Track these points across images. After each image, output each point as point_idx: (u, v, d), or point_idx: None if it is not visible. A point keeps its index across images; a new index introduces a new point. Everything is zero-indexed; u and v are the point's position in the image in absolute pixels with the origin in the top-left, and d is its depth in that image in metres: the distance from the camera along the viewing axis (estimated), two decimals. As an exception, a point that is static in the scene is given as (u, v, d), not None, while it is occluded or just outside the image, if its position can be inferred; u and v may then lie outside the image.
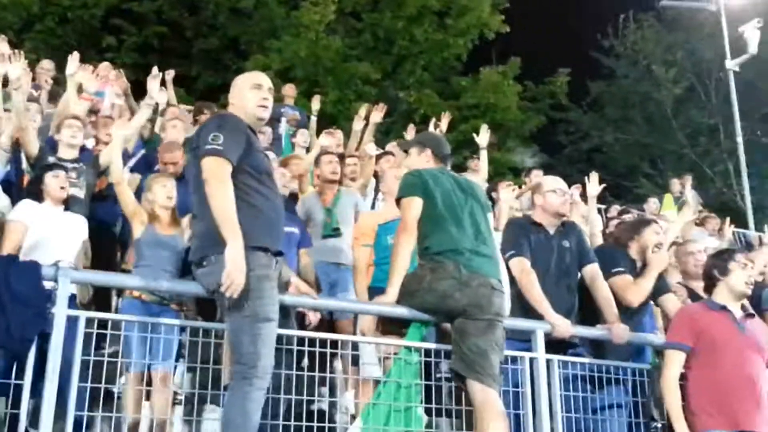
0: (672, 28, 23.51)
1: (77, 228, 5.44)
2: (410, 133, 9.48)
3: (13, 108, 6.16)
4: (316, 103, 10.90)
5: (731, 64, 18.01)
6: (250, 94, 4.05)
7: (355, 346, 5.01)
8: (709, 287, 4.81)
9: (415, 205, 4.32)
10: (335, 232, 6.47)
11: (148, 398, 4.81)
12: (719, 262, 4.80)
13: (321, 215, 6.57)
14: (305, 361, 4.35)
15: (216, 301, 3.85)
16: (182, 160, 6.30)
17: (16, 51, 6.48)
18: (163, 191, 5.30)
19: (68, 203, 5.56)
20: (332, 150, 7.79)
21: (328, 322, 5.94)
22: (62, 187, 5.44)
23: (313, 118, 10.71)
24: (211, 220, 3.72)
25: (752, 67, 19.30)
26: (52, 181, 5.42)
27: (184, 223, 5.29)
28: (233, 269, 3.53)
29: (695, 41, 22.51)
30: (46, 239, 5.11)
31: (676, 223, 7.10)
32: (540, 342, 4.54)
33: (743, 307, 4.76)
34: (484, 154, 8.93)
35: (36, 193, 5.39)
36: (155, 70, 7.49)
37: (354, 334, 5.38)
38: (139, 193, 5.71)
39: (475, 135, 9.08)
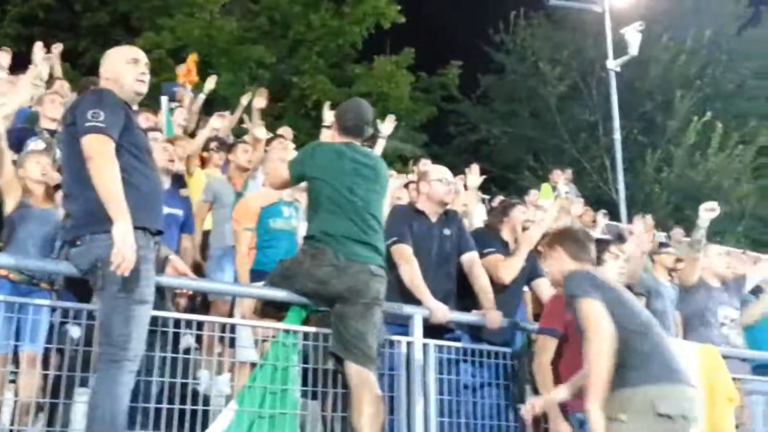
0: (559, 27, 24.22)
1: None
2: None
3: None
4: (210, 83, 10.46)
5: (613, 64, 18.73)
6: (126, 69, 3.91)
7: (232, 328, 4.84)
8: None
9: (294, 181, 4.51)
10: None
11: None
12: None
13: (231, 198, 6.51)
14: (189, 342, 4.29)
15: (89, 281, 3.72)
16: None
17: None
18: (38, 168, 5.13)
19: None
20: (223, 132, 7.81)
21: (203, 302, 5.94)
22: None
23: (202, 96, 10.52)
24: (87, 200, 3.61)
25: (632, 68, 20.19)
26: None
27: (58, 199, 5.05)
28: (123, 247, 3.44)
29: (580, 41, 23.23)
30: None
31: (550, 212, 7.42)
32: (417, 326, 4.59)
33: None
34: (382, 143, 8.97)
35: None
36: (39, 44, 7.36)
37: (231, 316, 5.34)
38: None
39: (380, 121, 9.13)
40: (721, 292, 6.76)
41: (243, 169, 6.87)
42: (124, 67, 3.91)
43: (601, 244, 4.91)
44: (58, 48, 9.41)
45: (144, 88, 3.98)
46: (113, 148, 3.60)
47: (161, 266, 4.05)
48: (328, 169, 4.33)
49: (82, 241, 3.64)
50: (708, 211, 6.28)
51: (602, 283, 3.83)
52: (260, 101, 8.32)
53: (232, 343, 4.56)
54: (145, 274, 3.61)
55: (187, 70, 11.13)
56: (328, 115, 8.39)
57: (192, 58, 11.42)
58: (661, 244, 8.27)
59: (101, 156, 3.55)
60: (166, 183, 5.67)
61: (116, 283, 3.53)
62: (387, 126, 8.45)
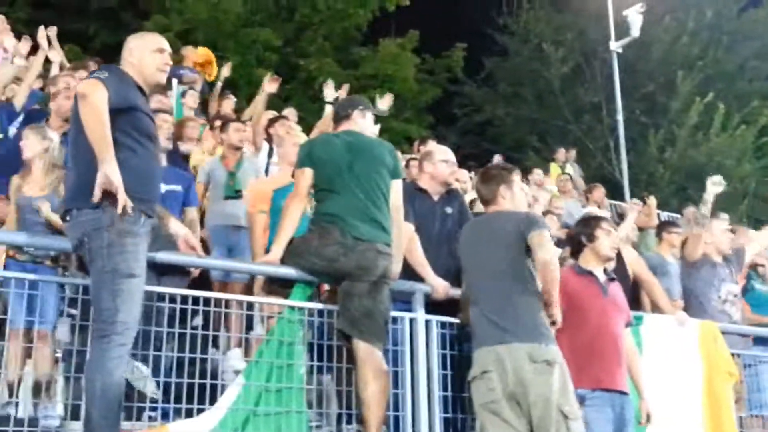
0: (562, 9, 24.30)
1: None
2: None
3: None
4: (226, 70, 10.91)
5: (615, 46, 18.91)
6: (151, 57, 3.98)
7: (250, 306, 4.92)
8: (576, 252, 5.02)
9: (304, 176, 4.48)
10: (237, 194, 6.58)
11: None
12: (585, 229, 5.01)
13: (224, 178, 6.68)
14: (197, 320, 4.36)
15: (83, 256, 3.74)
16: None
17: None
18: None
19: None
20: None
21: (224, 283, 6.02)
22: None
23: (219, 84, 10.90)
24: (77, 174, 3.67)
25: (634, 49, 20.37)
26: None
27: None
28: (106, 180, 3.46)
29: (583, 23, 23.29)
30: None
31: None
32: (420, 303, 4.68)
33: (606, 271, 4.94)
34: (329, 109, 8.64)
35: None
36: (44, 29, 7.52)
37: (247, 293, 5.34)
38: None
39: (378, 97, 9.33)
40: (723, 268, 6.85)
41: (235, 147, 6.97)
42: (149, 56, 3.99)
43: (594, 221, 5.09)
44: (52, 31, 9.05)
45: (164, 78, 4.09)
46: (105, 94, 3.57)
47: (173, 243, 4.11)
48: (324, 153, 4.49)
49: (71, 216, 3.68)
50: (715, 185, 6.46)
51: None
52: (272, 86, 8.56)
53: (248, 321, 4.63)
54: (132, 248, 3.60)
55: (206, 62, 11.27)
56: (329, 93, 8.70)
57: (209, 55, 11.53)
58: (669, 223, 8.44)
59: (90, 95, 3.55)
60: (164, 161, 5.68)
61: (102, 257, 3.55)
62: (384, 103, 8.56)
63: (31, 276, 4.31)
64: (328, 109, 8.75)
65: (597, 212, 6.95)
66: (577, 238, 5.07)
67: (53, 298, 4.73)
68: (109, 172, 3.48)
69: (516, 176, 4.72)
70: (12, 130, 6.71)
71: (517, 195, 4.65)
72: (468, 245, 4.58)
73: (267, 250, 5.39)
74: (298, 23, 21.57)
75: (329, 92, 8.79)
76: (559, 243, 6.28)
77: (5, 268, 4.90)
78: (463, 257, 4.61)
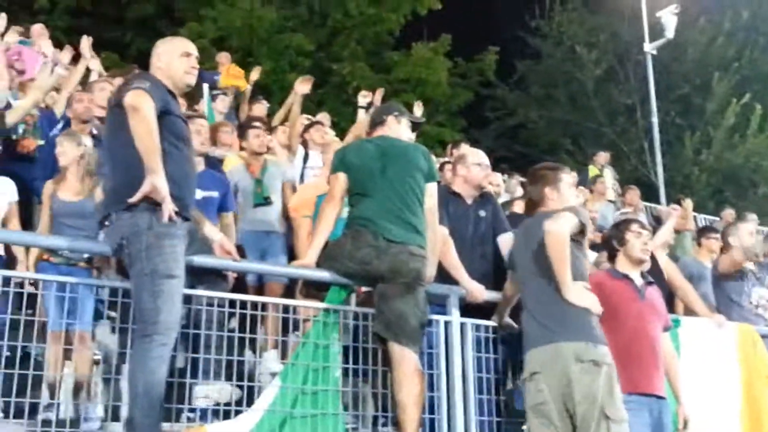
0: (595, 11, 24.22)
1: (5, 190, 5.46)
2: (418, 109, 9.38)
3: None
4: (255, 74, 11.00)
5: (649, 47, 18.74)
6: (179, 61, 4.04)
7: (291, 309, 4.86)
8: (612, 257, 4.99)
9: (337, 181, 4.49)
10: (266, 201, 6.54)
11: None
12: (616, 233, 5.00)
13: (250, 185, 6.61)
14: (233, 323, 4.41)
15: (123, 260, 3.79)
16: None
17: None
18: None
19: None
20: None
21: (257, 287, 6.00)
22: None
23: (249, 88, 10.99)
24: (115, 179, 3.76)
25: (668, 51, 20.23)
26: None
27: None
28: (153, 190, 3.53)
29: (617, 24, 23.17)
30: None
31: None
32: (454, 306, 4.66)
33: (643, 275, 4.88)
34: (362, 114, 8.75)
35: None
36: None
37: (286, 297, 5.33)
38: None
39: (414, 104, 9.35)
40: (753, 273, 6.81)
41: (257, 153, 6.92)
42: (177, 60, 4.06)
43: (624, 224, 5.05)
44: (90, 40, 9.12)
45: (193, 81, 4.15)
46: (153, 105, 3.66)
47: (209, 248, 4.16)
48: (356, 158, 4.51)
49: (110, 221, 3.76)
50: None
51: None
52: (304, 87, 8.58)
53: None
54: (170, 249, 3.67)
55: (237, 74, 11.33)
56: (363, 98, 8.77)
57: (238, 72, 11.58)
58: (708, 228, 8.36)
59: (141, 107, 3.62)
60: (201, 165, 5.70)
61: (141, 260, 3.62)
62: (417, 111, 8.61)
63: (72, 279, 4.39)
64: (362, 115, 8.86)
65: (630, 215, 6.89)
66: (609, 243, 5.06)
67: (90, 300, 4.79)
68: (158, 182, 3.57)
69: (564, 175, 4.67)
70: (54, 133, 6.80)
71: (565, 194, 4.59)
72: (518, 248, 4.60)
73: None
74: (331, 28, 21.71)
75: (363, 98, 8.88)
76: (593, 247, 6.25)
77: (39, 270, 5.01)
78: (515, 260, 4.62)
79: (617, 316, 4.59)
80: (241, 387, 4.19)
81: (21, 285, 4.06)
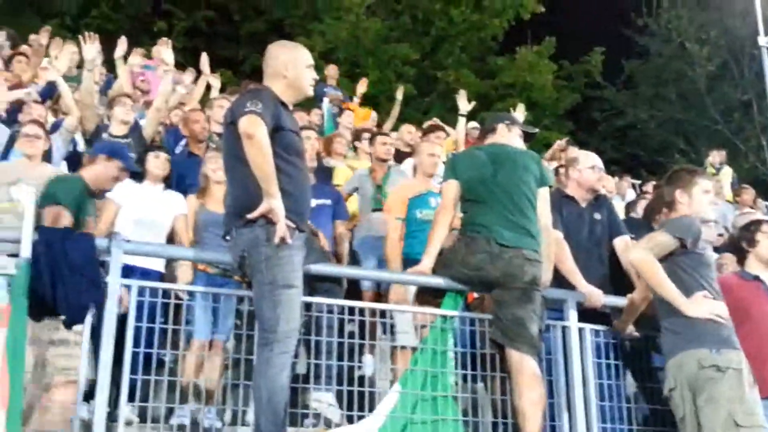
0: (705, 6, 23.47)
1: (176, 204, 5.66)
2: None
3: (82, 86, 6.61)
4: (362, 87, 11.34)
5: (764, 41, 18.10)
6: (307, 72, 4.11)
7: (388, 314, 4.82)
8: (741, 259, 4.94)
9: (449, 188, 4.56)
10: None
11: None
12: (746, 233, 4.92)
13: (371, 191, 6.76)
14: (350, 329, 4.40)
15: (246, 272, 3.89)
16: None
17: (90, 34, 6.80)
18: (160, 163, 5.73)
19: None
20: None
21: (376, 293, 6.04)
22: (161, 167, 5.71)
23: (356, 100, 11.28)
24: (233, 195, 3.86)
25: (784, 44, 19.45)
26: (152, 162, 5.72)
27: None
28: (271, 212, 3.65)
29: (728, 19, 22.47)
30: (147, 216, 5.43)
31: None
32: (572, 311, 4.60)
33: None
34: (462, 121, 9.04)
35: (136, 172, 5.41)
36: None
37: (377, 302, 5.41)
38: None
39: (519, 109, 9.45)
40: None
41: (382, 160, 7.09)
42: (304, 71, 4.12)
43: (754, 224, 4.97)
44: (207, 59, 9.66)
45: (312, 92, 4.24)
46: (266, 130, 3.71)
47: (325, 255, 4.25)
48: (467, 165, 4.57)
49: (231, 235, 3.88)
50: None
51: None
52: (398, 93, 8.67)
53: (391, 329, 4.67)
54: (287, 260, 3.74)
55: (365, 115, 11.49)
56: (463, 104, 8.87)
57: (365, 112, 11.61)
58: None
59: (255, 134, 3.67)
60: (313, 178, 5.79)
61: (261, 271, 3.72)
62: (462, 104, 8.89)
63: (214, 289, 4.61)
64: (462, 121, 8.95)
65: (758, 216, 6.68)
66: (738, 244, 4.97)
67: (232, 312, 4.95)
68: (275, 206, 3.69)
69: (700, 179, 4.53)
70: (177, 150, 7.25)
71: (696, 200, 4.44)
72: None
73: (403, 259, 5.51)
74: (435, 37, 21.88)
75: (463, 104, 8.98)
76: (717, 249, 6.07)
77: (195, 282, 5.18)
78: None
79: (748, 319, 4.50)
80: (358, 392, 4.21)
81: (171, 296, 4.13)
